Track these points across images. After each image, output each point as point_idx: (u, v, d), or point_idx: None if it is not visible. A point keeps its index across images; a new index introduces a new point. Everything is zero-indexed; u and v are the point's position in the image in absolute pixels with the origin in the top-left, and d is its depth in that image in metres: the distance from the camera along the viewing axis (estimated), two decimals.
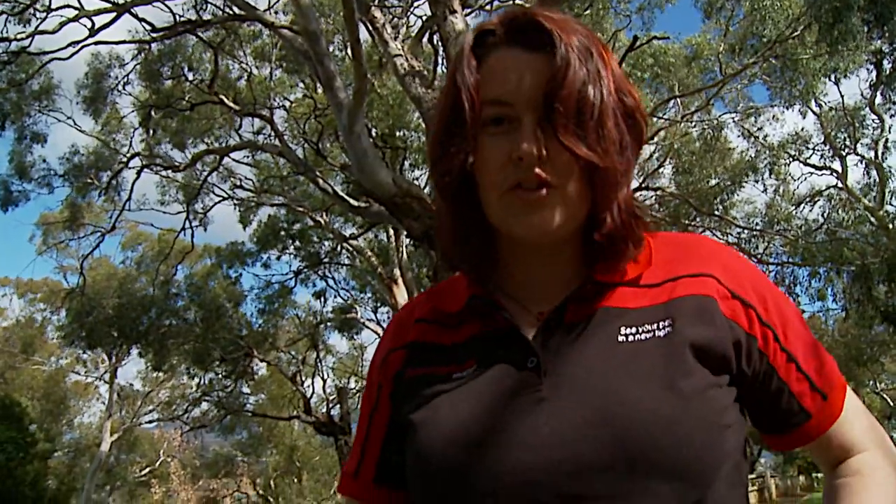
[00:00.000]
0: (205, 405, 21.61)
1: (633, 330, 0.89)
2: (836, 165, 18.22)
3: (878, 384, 31.24)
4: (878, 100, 16.69)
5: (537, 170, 0.88)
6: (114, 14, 11.42)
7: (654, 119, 14.21)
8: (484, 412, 0.88)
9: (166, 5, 11.76)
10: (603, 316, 0.92)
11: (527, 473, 0.83)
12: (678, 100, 14.68)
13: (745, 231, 17.25)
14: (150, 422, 29.34)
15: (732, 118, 16.99)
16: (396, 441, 0.98)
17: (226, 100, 13.99)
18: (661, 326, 0.89)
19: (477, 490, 0.84)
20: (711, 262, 0.95)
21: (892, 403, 31.66)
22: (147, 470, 29.99)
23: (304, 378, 20.86)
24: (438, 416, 0.90)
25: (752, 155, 17.41)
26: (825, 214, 17.59)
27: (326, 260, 18.59)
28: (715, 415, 0.86)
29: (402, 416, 0.97)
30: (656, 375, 0.85)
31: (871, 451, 0.98)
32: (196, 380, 20.23)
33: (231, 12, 11.79)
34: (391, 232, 15.37)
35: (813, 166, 18.55)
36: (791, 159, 18.16)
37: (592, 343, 0.89)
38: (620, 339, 0.89)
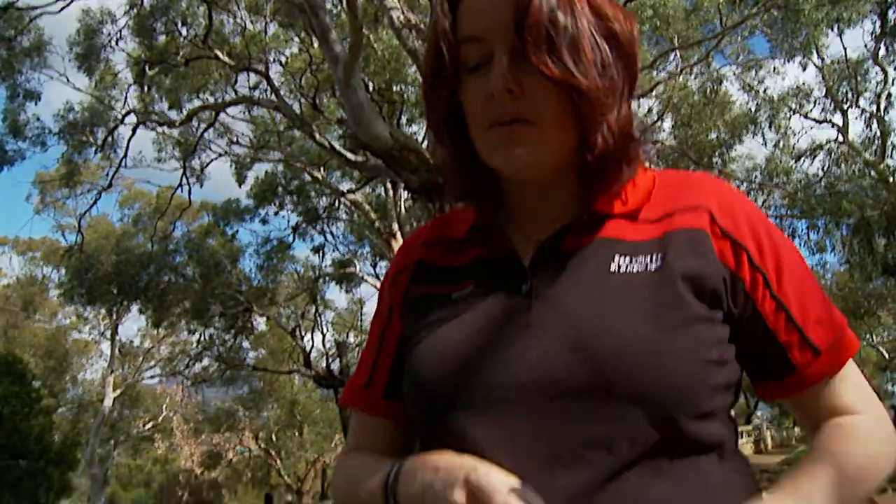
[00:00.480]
0: (206, 360, 21.83)
1: (627, 261, 0.90)
2: (837, 119, 18.10)
3: (874, 337, 31.47)
4: (882, 52, 16.50)
5: (512, 105, 0.89)
6: None
7: (654, 72, 14.05)
8: (475, 334, 0.91)
9: None
10: (599, 246, 0.93)
11: (509, 393, 0.86)
12: (677, 52, 14.48)
13: (745, 184, 17.20)
14: (152, 377, 29.66)
15: (733, 71, 16.84)
16: (403, 357, 1.01)
17: (220, 55, 13.81)
18: (653, 259, 0.90)
19: (462, 407, 0.88)
20: (709, 198, 0.95)
21: (887, 356, 31.94)
22: (150, 425, 30.32)
23: (303, 333, 21.01)
24: (433, 335, 0.94)
25: (752, 108, 17.29)
26: (825, 168, 17.52)
27: (324, 215, 18.56)
28: (702, 348, 0.86)
29: (406, 332, 1.01)
30: (644, 307, 0.86)
31: (860, 414, 0.94)
32: (196, 335, 20.38)
33: None
34: (389, 186, 15.34)
35: (814, 120, 18.42)
36: (791, 113, 18.01)
37: (585, 272, 0.91)
38: (613, 269, 0.90)
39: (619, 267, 0.90)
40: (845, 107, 17.78)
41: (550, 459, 0.84)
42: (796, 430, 35.35)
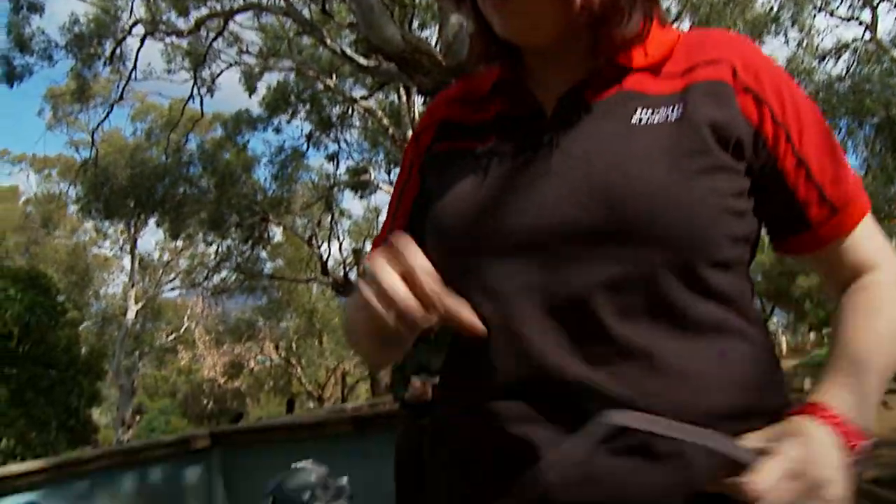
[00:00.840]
0: (224, 272, 22.13)
1: (649, 113, 0.91)
2: (866, 16, 17.46)
3: (892, 241, 31.28)
4: None
5: None
6: None
7: None
8: (496, 184, 0.93)
9: None
10: (620, 99, 0.93)
11: (527, 237, 0.89)
12: None
13: None
14: (172, 290, 30.16)
15: None
16: (421, 213, 1.05)
17: None
18: (675, 109, 0.90)
19: (482, 253, 0.91)
20: (731, 52, 0.94)
21: None
22: (173, 336, 31.00)
23: (320, 241, 21.10)
24: (454, 187, 0.97)
25: (775, 7, 16.72)
26: (849, 67, 17.04)
27: (338, 123, 18.43)
28: (721, 196, 0.87)
29: (425, 188, 1.05)
30: (664, 154, 0.87)
31: (882, 268, 0.97)
32: (213, 247, 20.62)
33: None
34: (402, 92, 15.17)
35: (840, 17, 17.78)
36: (816, 11, 17.41)
37: (606, 123, 0.92)
38: (634, 121, 0.90)
39: (641, 119, 0.90)
40: (875, 2, 17.14)
41: (567, 301, 0.86)
42: (811, 335, 35.68)
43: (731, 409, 0.85)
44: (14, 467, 7.05)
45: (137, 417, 28.93)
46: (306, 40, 15.40)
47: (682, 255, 0.85)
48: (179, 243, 25.48)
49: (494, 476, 0.90)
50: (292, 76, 17.24)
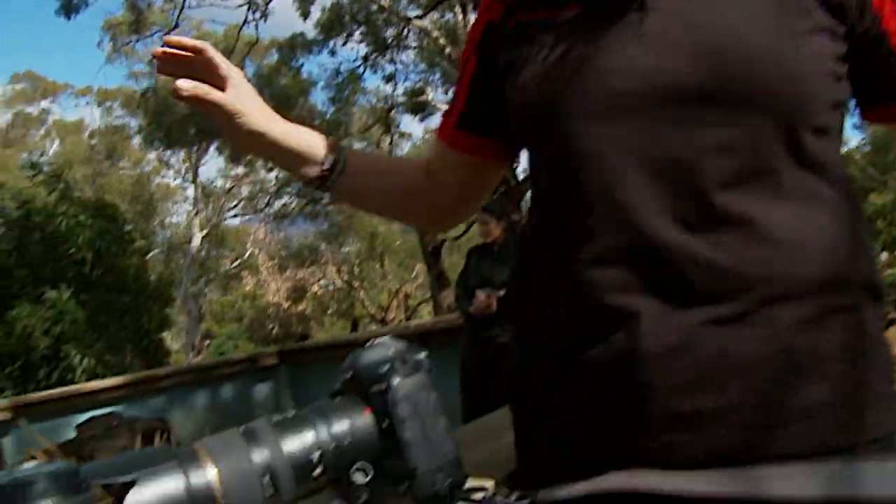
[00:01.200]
0: (285, 197, 22.38)
1: None
2: None
3: None
4: None
5: None
6: None
7: None
8: (586, 47, 0.88)
9: None
10: None
11: (629, 99, 0.84)
12: None
13: None
14: (234, 216, 30.70)
15: None
16: (478, 88, 1.05)
17: None
18: None
19: (577, 115, 0.86)
20: None
21: None
22: (237, 262, 31.69)
23: None
24: (538, 54, 0.92)
25: None
26: None
27: (393, 44, 18.18)
28: (824, 59, 0.84)
29: (500, 62, 0.99)
30: (767, 15, 0.83)
31: None
32: (275, 172, 20.84)
33: None
34: (458, 10, 14.85)
35: None
36: None
37: None
38: None
39: None
40: None
41: (672, 164, 0.83)
42: (884, 254, 34.84)
43: (829, 279, 0.84)
44: (96, 383, 7.45)
45: (206, 342, 29.90)
46: None
47: (787, 119, 0.82)
48: (241, 170, 25.83)
49: (571, 364, 0.88)
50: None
